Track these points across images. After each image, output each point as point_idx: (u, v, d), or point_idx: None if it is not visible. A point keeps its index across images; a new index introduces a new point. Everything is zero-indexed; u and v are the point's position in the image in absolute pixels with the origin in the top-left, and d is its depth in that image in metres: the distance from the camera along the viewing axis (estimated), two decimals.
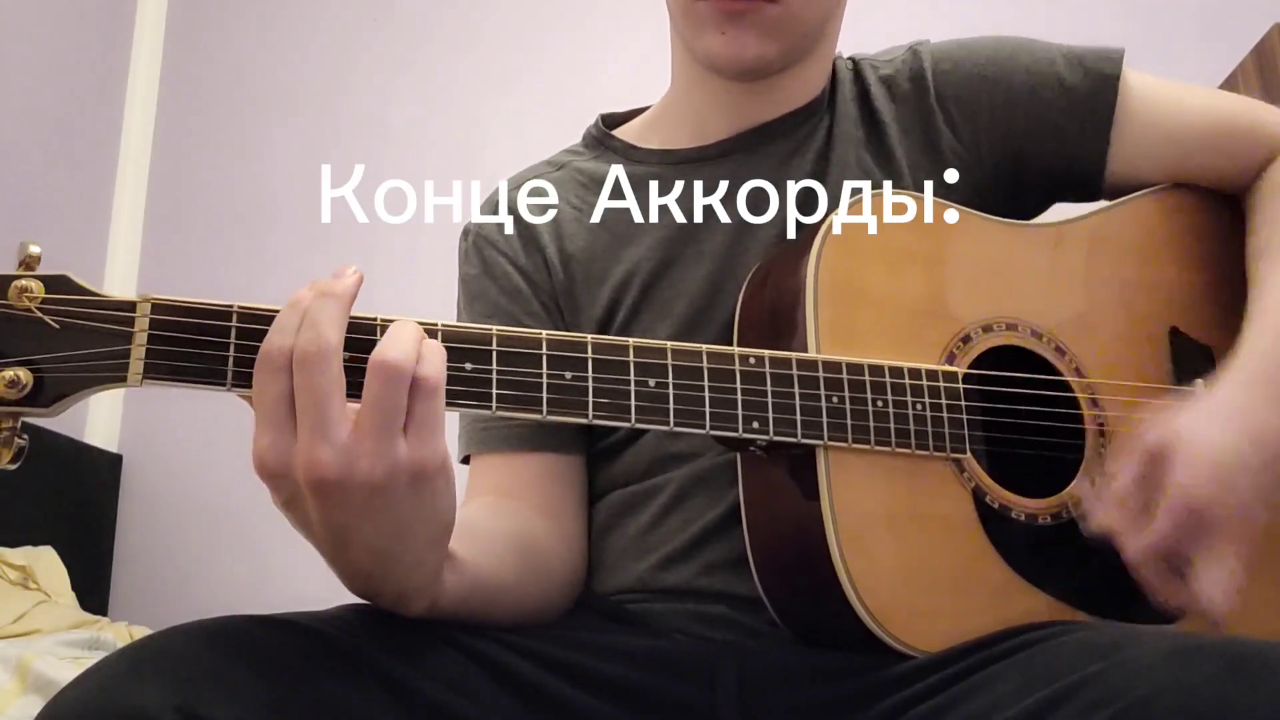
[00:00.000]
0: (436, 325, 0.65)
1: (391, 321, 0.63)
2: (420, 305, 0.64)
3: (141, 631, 1.84)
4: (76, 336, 0.60)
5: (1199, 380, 0.86)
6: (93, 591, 2.40)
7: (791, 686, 0.75)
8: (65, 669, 1.50)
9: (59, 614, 1.96)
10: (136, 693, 0.56)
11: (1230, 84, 1.83)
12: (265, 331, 0.61)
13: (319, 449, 0.58)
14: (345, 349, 0.60)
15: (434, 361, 0.61)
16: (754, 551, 0.79)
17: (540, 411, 0.67)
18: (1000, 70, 0.93)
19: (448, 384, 0.63)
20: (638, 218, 0.94)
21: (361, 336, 0.62)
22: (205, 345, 0.61)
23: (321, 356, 0.59)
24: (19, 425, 0.59)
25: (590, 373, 0.68)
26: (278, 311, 0.62)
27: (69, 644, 1.72)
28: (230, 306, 0.62)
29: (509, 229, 0.96)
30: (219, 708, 0.56)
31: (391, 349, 0.60)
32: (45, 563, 2.18)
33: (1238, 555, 0.71)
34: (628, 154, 0.98)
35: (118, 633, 1.91)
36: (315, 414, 0.58)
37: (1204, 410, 0.75)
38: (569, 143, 1.05)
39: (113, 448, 2.65)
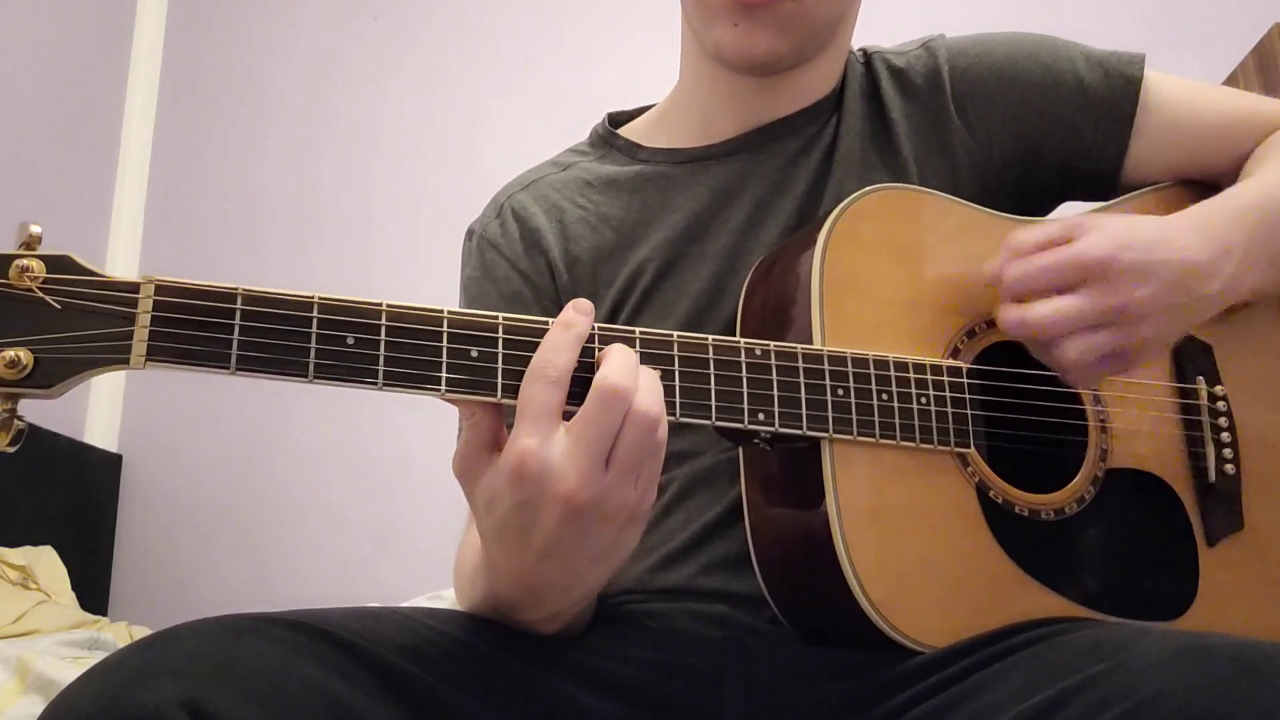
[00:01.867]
0: (442, 312, 0.65)
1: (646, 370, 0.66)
2: (417, 302, 0.64)
3: (141, 631, 1.84)
4: (78, 317, 0.59)
5: (1201, 377, 0.86)
6: (93, 591, 2.40)
7: (797, 685, 0.75)
8: (65, 669, 1.50)
9: (59, 614, 1.96)
10: (144, 690, 0.55)
11: (1230, 84, 1.83)
12: (270, 315, 0.61)
13: (594, 475, 0.61)
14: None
15: (665, 426, 0.64)
16: (756, 547, 0.79)
17: None
18: (1017, 67, 0.92)
19: (452, 371, 0.63)
20: (643, 218, 0.93)
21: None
22: (210, 327, 0.60)
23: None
24: (18, 407, 0.58)
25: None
26: (281, 295, 0.62)
27: (69, 644, 1.72)
28: (235, 289, 0.61)
29: (512, 231, 0.96)
30: (226, 705, 0.56)
31: (652, 405, 0.63)
32: (45, 563, 2.18)
33: (1108, 319, 0.73)
34: (633, 153, 0.98)
35: (118, 633, 1.91)
36: (603, 447, 0.62)
37: (1133, 215, 0.79)
38: (568, 141, 1.05)
39: (113, 448, 2.65)
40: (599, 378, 0.62)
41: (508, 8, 2.72)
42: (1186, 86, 0.94)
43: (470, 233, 1.00)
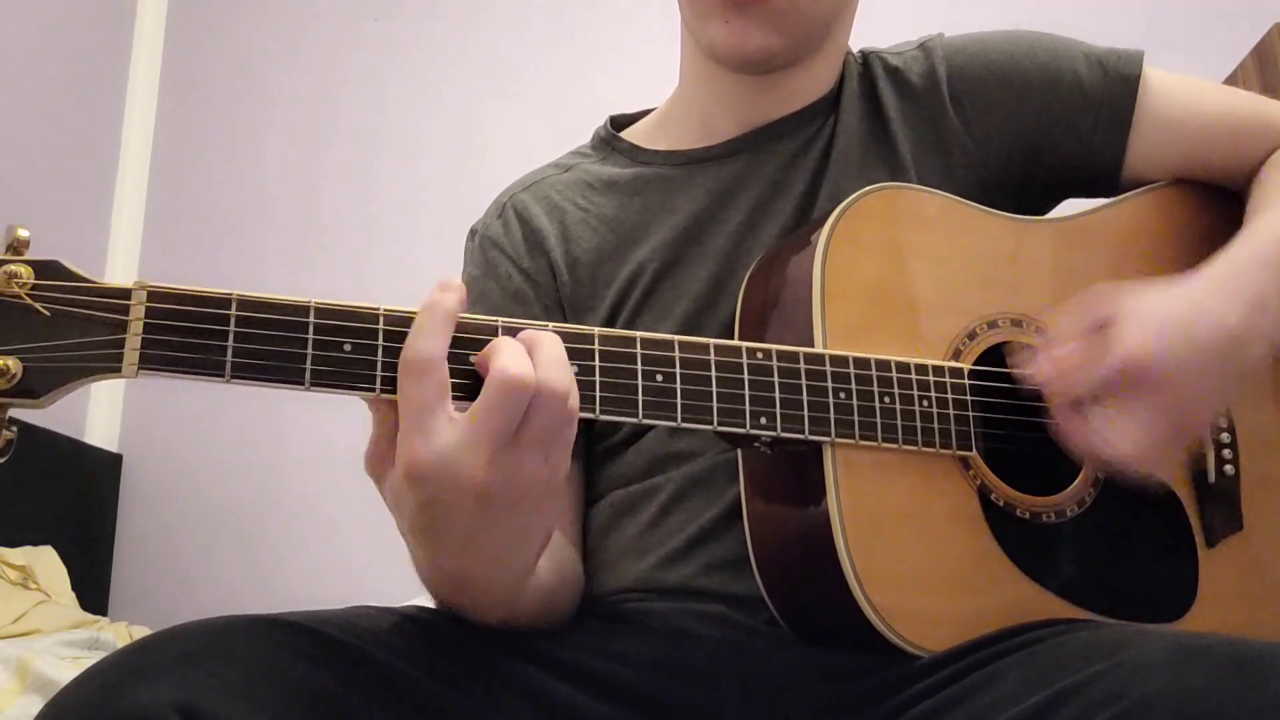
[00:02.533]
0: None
1: (547, 334, 0.64)
2: (418, 305, 0.64)
3: (141, 631, 1.84)
4: (68, 324, 0.57)
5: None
6: (93, 591, 2.40)
7: (795, 687, 0.74)
8: (65, 669, 1.50)
9: (59, 614, 1.96)
10: (138, 692, 0.56)
11: (1230, 83, 1.82)
12: (265, 320, 0.60)
13: (499, 460, 0.60)
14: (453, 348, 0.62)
15: (577, 393, 0.63)
16: (755, 549, 0.79)
17: None
18: (1016, 66, 0.92)
19: (453, 376, 0.63)
20: (643, 220, 0.93)
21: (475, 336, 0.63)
22: (204, 335, 0.59)
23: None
24: (7, 416, 0.57)
25: (597, 364, 0.67)
26: (277, 301, 0.61)
27: (69, 644, 1.72)
28: (229, 295, 0.60)
29: (514, 231, 0.96)
30: (221, 707, 0.56)
31: (560, 380, 0.61)
32: (45, 563, 2.18)
33: (1166, 419, 0.72)
34: (635, 155, 0.98)
35: (118, 633, 1.91)
36: (505, 433, 0.60)
37: (1160, 289, 0.77)
38: (569, 143, 1.05)
39: (113, 448, 2.65)
40: (494, 371, 0.60)
41: (508, 9, 2.72)
42: (1185, 85, 0.94)
43: (473, 232, 1.00)
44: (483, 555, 0.65)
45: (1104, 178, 0.93)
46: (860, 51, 0.99)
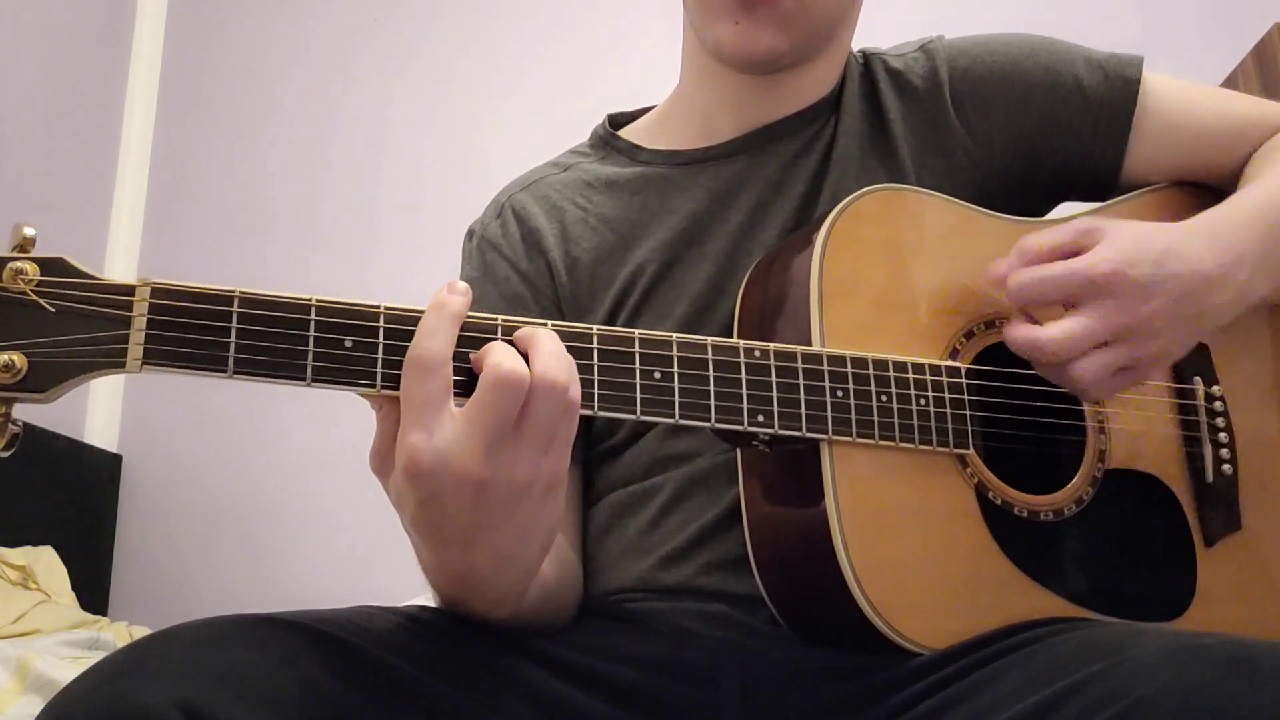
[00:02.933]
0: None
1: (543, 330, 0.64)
2: (418, 304, 0.64)
3: (141, 631, 1.84)
4: (73, 320, 0.58)
5: (1198, 378, 0.86)
6: (93, 591, 2.40)
7: (794, 687, 0.75)
8: (65, 669, 1.50)
9: (59, 614, 1.96)
10: (140, 691, 0.56)
11: (1230, 84, 1.83)
12: (267, 317, 0.61)
13: (495, 453, 0.60)
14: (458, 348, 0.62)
15: (578, 384, 0.64)
16: (755, 548, 0.79)
17: None
18: (1017, 68, 0.93)
19: (455, 374, 0.63)
20: (642, 220, 0.93)
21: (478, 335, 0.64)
22: (207, 331, 0.60)
23: (565, 386, 0.62)
24: (12, 411, 0.58)
25: (595, 362, 0.68)
26: (279, 298, 0.61)
27: (69, 644, 1.72)
28: (232, 291, 0.61)
29: (513, 232, 0.96)
30: (223, 706, 0.56)
31: (558, 372, 0.62)
32: (45, 563, 2.18)
33: (1114, 332, 0.73)
34: (634, 155, 0.98)
35: (118, 633, 1.91)
36: (501, 427, 0.60)
37: (1144, 224, 0.78)
38: (569, 142, 1.05)
39: (113, 448, 2.65)
40: (487, 367, 0.60)
41: (509, 9, 2.72)
42: (1184, 88, 0.94)
43: (470, 233, 1.00)
44: (486, 552, 0.65)
45: (1104, 180, 0.93)
46: (861, 52, 0.99)
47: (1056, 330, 0.73)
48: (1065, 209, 0.94)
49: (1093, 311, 0.73)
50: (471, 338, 0.63)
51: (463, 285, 0.64)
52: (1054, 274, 0.75)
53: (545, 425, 0.61)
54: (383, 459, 0.64)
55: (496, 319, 0.65)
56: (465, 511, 0.61)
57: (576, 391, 0.63)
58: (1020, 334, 0.75)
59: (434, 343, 0.61)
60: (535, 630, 0.76)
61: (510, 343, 0.63)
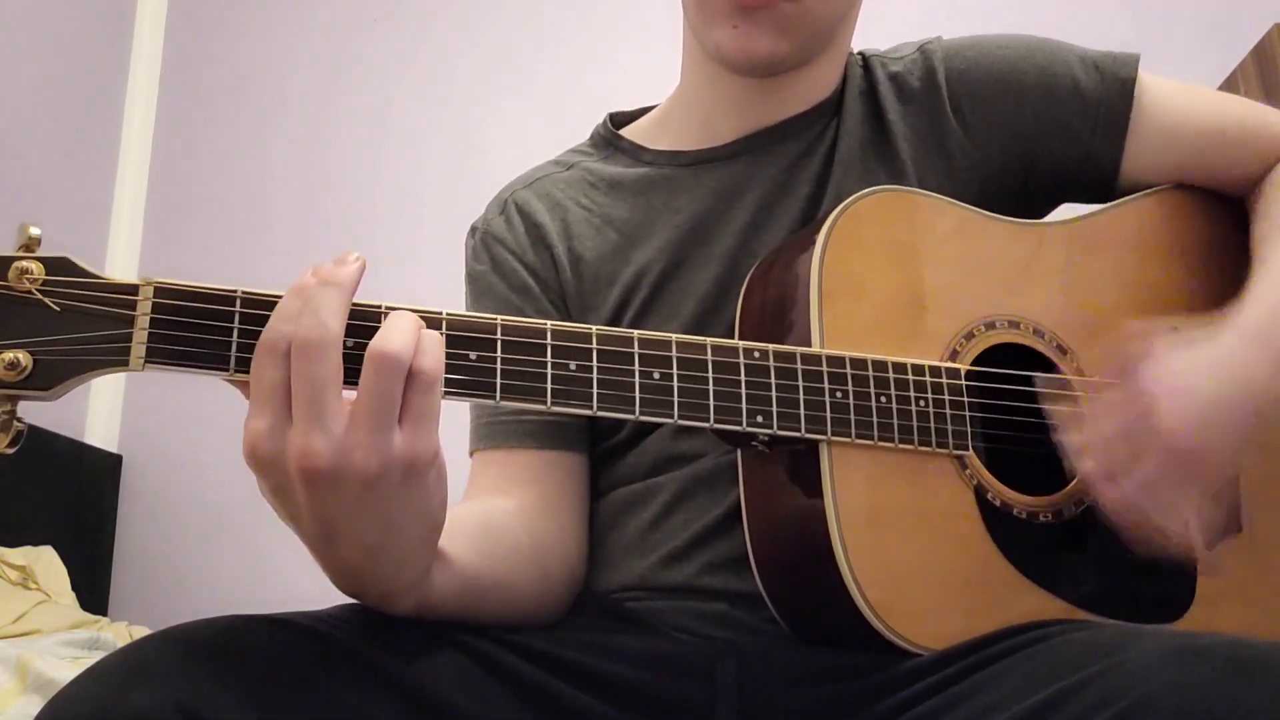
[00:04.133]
0: (441, 314, 0.65)
1: (395, 310, 0.62)
2: (420, 302, 0.64)
3: (141, 631, 1.84)
4: (77, 319, 0.59)
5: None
6: (93, 591, 2.40)
7: (791, 686, 0.75)
8: (65, 669, 1.50)
9: (59, 614, 1.96)
10: (137, 693, 0.56)
11: (1230, 84, 1.83)
12: (269, 317, 0.61)
13: (314, 438, 0.57)
14: (347, 336, 0.59)
15: (433, 353, 0.60)
16: (754, 548, 0.79)
17: (544, 402, 0.66)
18: (1014, 69, 0.93)
19: (452, 373, 0.63)
20: (647, 219, 0.93)
21: (364, 324, 0.61)
22: (208, 330, 0.60)
23: (321, 345, 0.58)
24: (18, 408, 0.58)
25: (595, 363, 0.68)
26: (280, 297, 0.62)
27: (69, 644, 1.72)
28: (234, 291, 0.62)
29: (517, 226, 0.96)
30: (219, 708, 0.56)
31: (390, 340, 0.59)
32: (45, 563, 2.18)
33: (1217, 501, 0.74)
34: (636, 154, 0.98)
35: (118, 633, 1.91)
36: (311, 403, 0.57)
37: (1195, 357, 0.76)
38: (569, 142, 1.05)
39: (113, 448, 2.65)
40: (373, 348, 0.58)
41: (509, 9, 2.72)
42: (1180, 89, 0.94)
43: (474, 229, 1.00)
44: (350, 544, 0.61)
45: (1101, 181, 0.93)
46: (860, 54, 0.99)
47: (1200, 540, 0.73)
48: (1065, 210, 0.94)
49: (1198, 499, 0.74)
50: (355, 325, 0.61)
51: (355, 254, 0.61)
52: (1147, 483, 0.72)
53: (382, 402, 0.58)
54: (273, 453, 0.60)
55: (380, 306, 0.63)
56: (307, 501, 0.59)
57: (427, 363, 0.59)
58: (1109, 496, 0.73)
59: (284, 326, 0.59)
60: (498, 623, 0.75)
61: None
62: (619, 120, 1.03)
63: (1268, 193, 0.91)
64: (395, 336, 0.59)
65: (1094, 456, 0.74)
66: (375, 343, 0.59)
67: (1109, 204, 0.92)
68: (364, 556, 0.62)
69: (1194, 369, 0.75)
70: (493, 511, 0.84)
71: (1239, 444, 0.75)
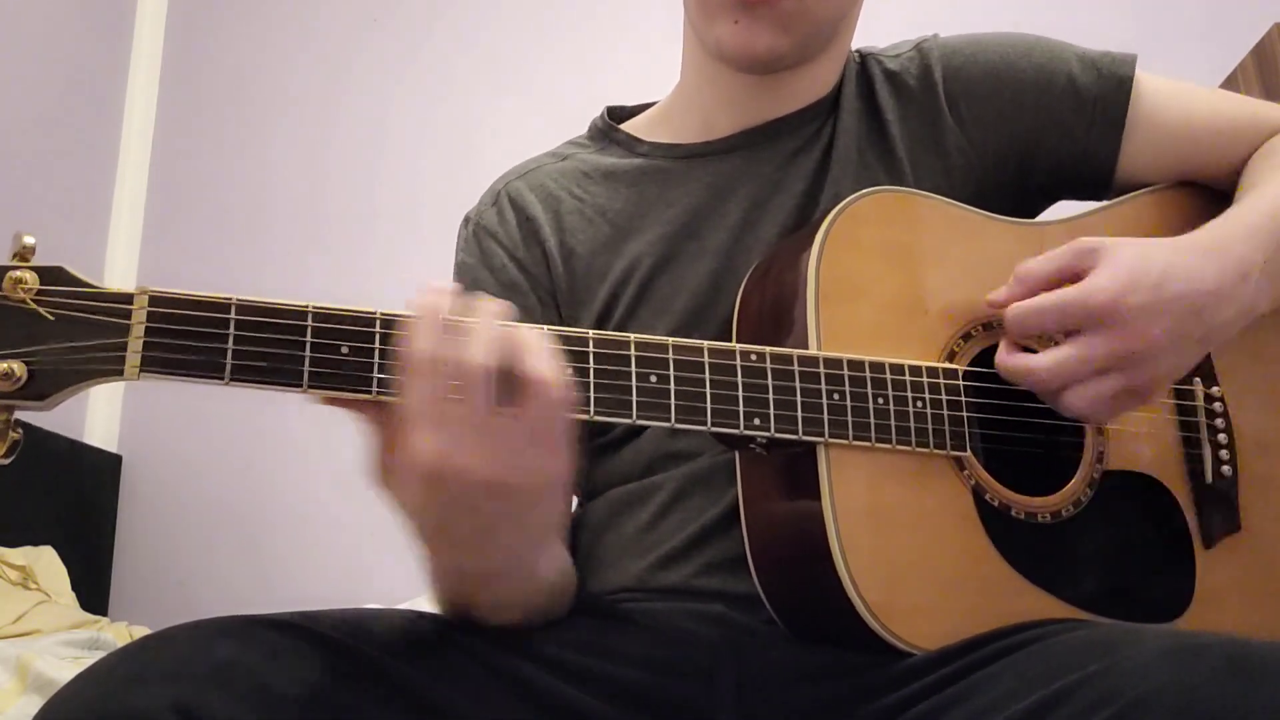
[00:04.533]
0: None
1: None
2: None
3: (141, 631, 1.84)
4: (72, 329, 0.59)
5: (1197, 379, 0.86)
6: (93, 591, 2.40)
7: (789, 686, 0.75)
8: (65, 669, 1.50)
9: (59, 614, 1.96)
10: (135, 693, 0.56)
11: (1230, 84, 1.83)
12: (263, 324, 0.61)
13: (497, 454, 0.60)
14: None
15: (568, 385, 0.64)
16: (753, 549, 0.79)
17: None
18: (1011, 67, 0.93)
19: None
20: (639, 211, 0.93)
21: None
22: (204, 338, 0.61)
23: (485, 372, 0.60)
24: (13, 418, 0.59)
25: (591, 366, 0.68)
26: (275, 305, 0.62)
27: (69, 644, 1.72)
28: (229, 299, 0.61)
29: (509, 219, 0.96)
30: (218, 708, 0.56)
31: (556, 373, 0.62)
32: (45, 563, 2.18)
33: (1116, 359, 0.73)
34: (632, 147, 0.98)
35: (118, 633, 1.91)
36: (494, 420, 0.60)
37: (1144, 242, 0.77)
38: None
39: (113, 448, 2.65)
40: (532, 374, 0.61)
41: (509, 9, 2.72)
42: (1176, 88, 0.94)
43: (467, 220, 1.00)
44: (500, 552, 0.66)
45: (1099, 179, 0.93)
46: (857, 52, 0.99)
47: (1048, 359, 0.74)
48: (1063, 208, 0.94)
49: (1089, 340, 0.73)
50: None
51: (442, 283, 0.64)
52: (1050, 305, 0.75)
53: (551, 424, 0.62)
54: (384, 468, 0.64)
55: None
56: (482, 512, 0.62)
57: (570, 393, 0.63)
58: (1012, 363, 0.76)
59: (429, 343, 0.61)
60: (531, 628, 0.76)
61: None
62: (618, 115, 1.03)
63: (1259, 152, 0.92)
64: (557, 369, 0.62)
65: (1018, 305, 0.76)
66: (544, 375, 0.61)
67: (1108, 203, 0.92)
68: (509, 562, 0.68)
69: (1139, 250, 0.76)
70: None
71: (1163, 327, 0.74)
